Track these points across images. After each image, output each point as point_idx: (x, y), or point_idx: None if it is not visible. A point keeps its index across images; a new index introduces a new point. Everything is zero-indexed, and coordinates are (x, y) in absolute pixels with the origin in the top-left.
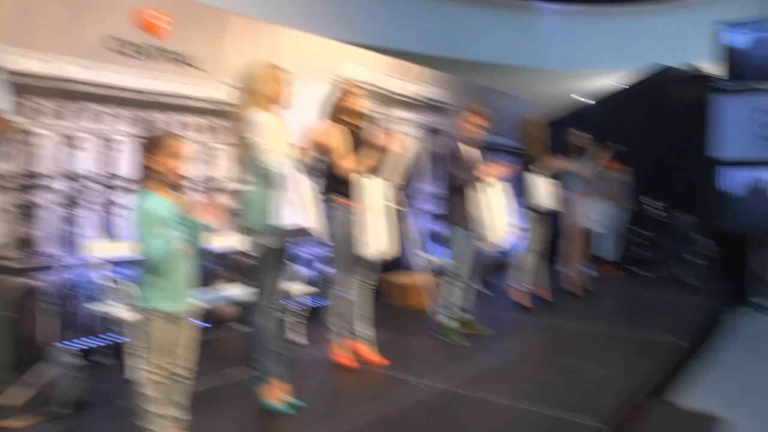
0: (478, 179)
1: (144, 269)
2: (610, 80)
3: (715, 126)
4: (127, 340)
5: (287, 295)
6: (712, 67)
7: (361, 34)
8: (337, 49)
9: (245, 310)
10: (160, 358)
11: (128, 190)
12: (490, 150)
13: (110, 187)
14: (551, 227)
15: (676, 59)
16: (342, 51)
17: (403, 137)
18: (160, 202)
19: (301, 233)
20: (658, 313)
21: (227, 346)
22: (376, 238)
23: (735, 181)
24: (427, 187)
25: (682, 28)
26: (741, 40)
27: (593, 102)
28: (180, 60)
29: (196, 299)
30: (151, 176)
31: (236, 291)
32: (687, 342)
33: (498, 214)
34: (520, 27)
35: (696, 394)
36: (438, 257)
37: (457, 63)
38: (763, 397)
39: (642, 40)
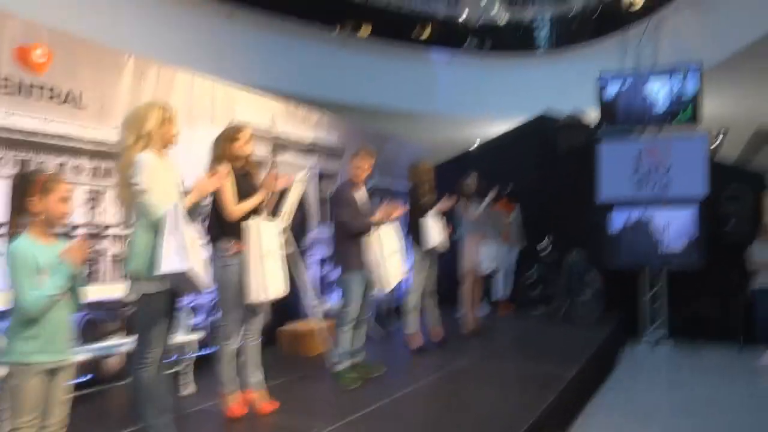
0: (372, 225)
1: (16, 319)
2: (503, 126)
3: (598, 169)
4: None
5: (173, 345)
6: (594, 114)
7: (256, 77)
8: (230, 91)
9: (129, 361)
10: (31, 416)
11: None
12: (381, 192)
13: None
14: (438, 266)
15: (563, 106)
16: (235, 94)
17: (294, 181)
18: (37, 248)
19: (185, 281)
20: (550, 348)
21: (111, 401)
22: (266, 283)
23: (621, 220)
24: (318, 231)
25: (568, 77)
26: (615, 89)
27: (481, 145)
28: (65, 99)
29: (73, 351)
30: (28, 220)
31: (121, 341)
32: (579, 375)
33: (389, 257)
34: (414, 73)
35: (587, 425)
36: (329, 301)
37: (352, 108)
38: (650, 425)
39: (531, 89)
